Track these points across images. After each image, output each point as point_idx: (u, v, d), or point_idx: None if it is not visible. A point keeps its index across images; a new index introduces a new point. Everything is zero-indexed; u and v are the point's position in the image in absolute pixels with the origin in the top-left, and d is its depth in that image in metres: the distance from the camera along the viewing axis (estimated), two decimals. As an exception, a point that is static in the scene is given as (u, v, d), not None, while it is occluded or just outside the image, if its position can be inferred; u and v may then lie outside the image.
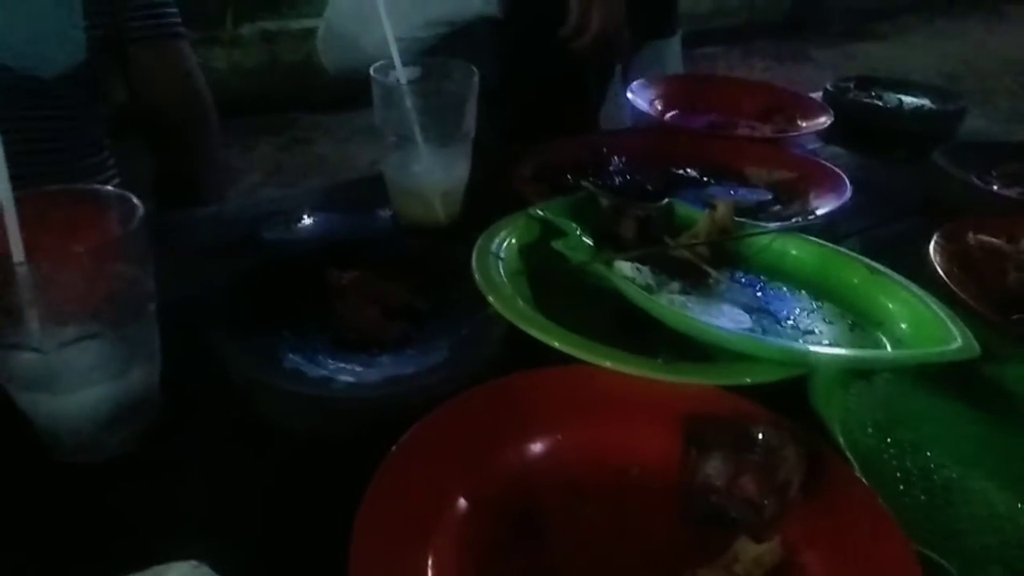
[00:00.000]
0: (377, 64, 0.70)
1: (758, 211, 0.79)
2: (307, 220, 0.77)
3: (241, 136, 3.67)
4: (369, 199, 0.80)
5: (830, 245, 0.63)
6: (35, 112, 0.89)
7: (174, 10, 1.01)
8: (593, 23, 0.92)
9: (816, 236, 0.67)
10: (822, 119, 1.00)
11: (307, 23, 4.00)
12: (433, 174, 0.73)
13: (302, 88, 3.74)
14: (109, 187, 0.47)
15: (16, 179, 0.40)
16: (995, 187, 0.84)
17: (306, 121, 3.76)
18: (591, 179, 0.82)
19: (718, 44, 5.59)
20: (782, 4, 6.21)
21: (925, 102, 1.13)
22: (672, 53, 1.21)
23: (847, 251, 0.63)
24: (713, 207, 0.65)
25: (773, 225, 0.64)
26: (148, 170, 1.12)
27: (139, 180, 1.07)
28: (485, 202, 0.76)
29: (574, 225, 0.64)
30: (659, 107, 1.07)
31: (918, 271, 0.64)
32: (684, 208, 0.69)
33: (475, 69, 0.72)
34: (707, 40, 5.56)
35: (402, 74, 0.70)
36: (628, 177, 0.84)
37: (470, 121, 0.73)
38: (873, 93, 1.15)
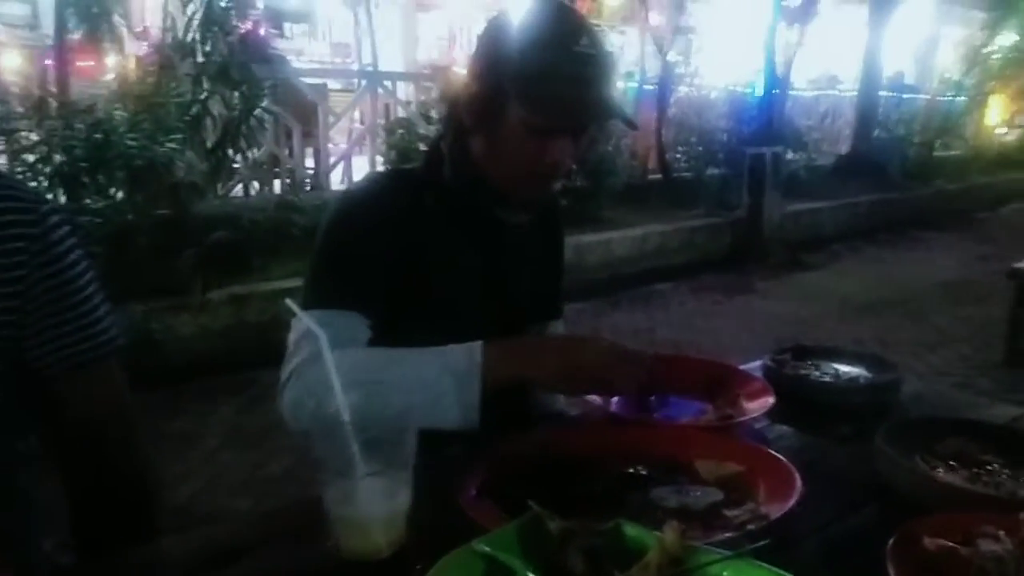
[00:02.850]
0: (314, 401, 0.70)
1: (710, 516, 0.77)
2: (244, 560, 0.72)
3: (200, 399, 3.63)
4: (309, 525, 0.76)
5: (782, 574, 0.60)
6: None
7: (104, 327, 0.93)
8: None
9: (772, 541, 0.65)
10: (765, 400, 1.03)
11: (276, 285, 4.16)
12: (374, 505, 0.70)
13: (266, 345, 3.79)
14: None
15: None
16: (940, 470, 0.84)
17: (267, 378, 3.74)
18: (538, 488, 0.80)
19: (667, 280, 5.93)
20: (722, 239, 6.72)
21: (861, 371, 1.17)
22: (554, 330, 1.30)
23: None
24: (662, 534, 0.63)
25: (725, 553, 0.62)
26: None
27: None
28: (431, 524, 0.73)
29: (519, 562, 0.62)
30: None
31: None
32: (633, 529, 0.67)
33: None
34: (656, 278, 5.92)
35: (344, 409, 0.70)
36: (576, 482, 0.83)
37: (411, 448, 0.72)
38: (810, 363, 1.20)
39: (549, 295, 1.28)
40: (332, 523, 0.73)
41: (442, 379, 0.92)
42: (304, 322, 0.96)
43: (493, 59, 1.02)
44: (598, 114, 1.04)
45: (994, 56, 10.75)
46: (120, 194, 4.12)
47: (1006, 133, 11.94)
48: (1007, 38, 10.68)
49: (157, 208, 4.21)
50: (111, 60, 4.51)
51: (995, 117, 11.86)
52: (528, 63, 0.98)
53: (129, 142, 4.02)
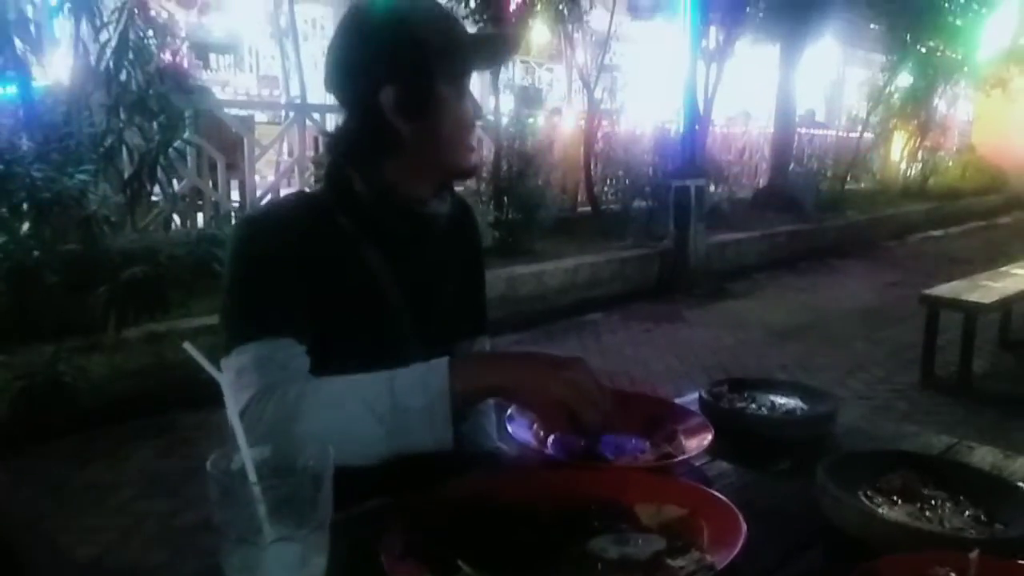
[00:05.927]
0: (214, 457, 0.63)
1: (653, 567, 0.72)
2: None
3: (114, 445, 3.41)
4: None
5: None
6: None
7: None
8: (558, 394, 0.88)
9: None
10: (704, 436, 0.99)
11: (197, 322, 3.97)
12: (284, 574, 0.63)
13: (187, 386, 3.58)
14: None
15: None
16: (884, 507, 0.82)
17: (190, 421, 3.56)
18: (470, 541, 0.74)
19: (599, 310, 5.98)
20: (650, 270, 6.84)
21: (797, 403, 1.16)
22: (481, 347, 1.26)
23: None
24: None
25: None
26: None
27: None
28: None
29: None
30: (539, 431, 1.04)
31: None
32: (572, 589, 0.62)
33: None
34: (589, 307, 5.96)
35: (251, 468, 0.62)
36: (511, 533, 0.77)
37: (326, 506, 0.65)
38: (746, 395, 1.18)
39: (473, 307, 1.25)
40: (236, 596, 0.65)
41: (411, 396, 0.86)
42: (232, 365, 0.90)
43: (407, 50, 1.02)
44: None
45: (895, 96, 11.42)
46: (26, 228, 3.87)
47: (908, 167, 12.66)
48: (905, 79, 11.37)
49: (67, 243, 3.97)
50: (14, 88, 4.26)
51: (898, 152, 12.57)
52: (443, 35, 1.04)
53: (35, 173, 3.79)
